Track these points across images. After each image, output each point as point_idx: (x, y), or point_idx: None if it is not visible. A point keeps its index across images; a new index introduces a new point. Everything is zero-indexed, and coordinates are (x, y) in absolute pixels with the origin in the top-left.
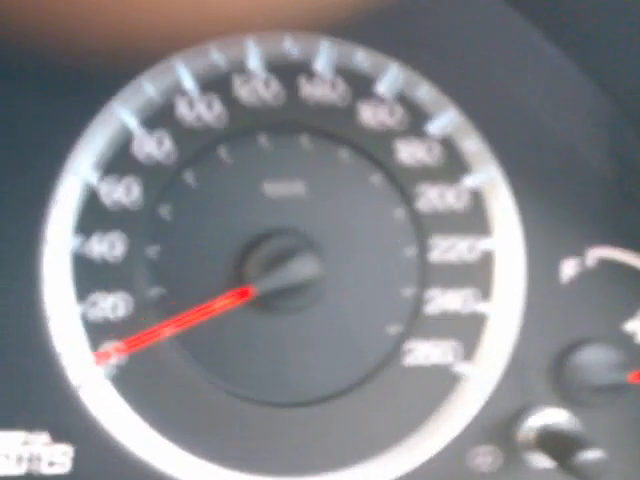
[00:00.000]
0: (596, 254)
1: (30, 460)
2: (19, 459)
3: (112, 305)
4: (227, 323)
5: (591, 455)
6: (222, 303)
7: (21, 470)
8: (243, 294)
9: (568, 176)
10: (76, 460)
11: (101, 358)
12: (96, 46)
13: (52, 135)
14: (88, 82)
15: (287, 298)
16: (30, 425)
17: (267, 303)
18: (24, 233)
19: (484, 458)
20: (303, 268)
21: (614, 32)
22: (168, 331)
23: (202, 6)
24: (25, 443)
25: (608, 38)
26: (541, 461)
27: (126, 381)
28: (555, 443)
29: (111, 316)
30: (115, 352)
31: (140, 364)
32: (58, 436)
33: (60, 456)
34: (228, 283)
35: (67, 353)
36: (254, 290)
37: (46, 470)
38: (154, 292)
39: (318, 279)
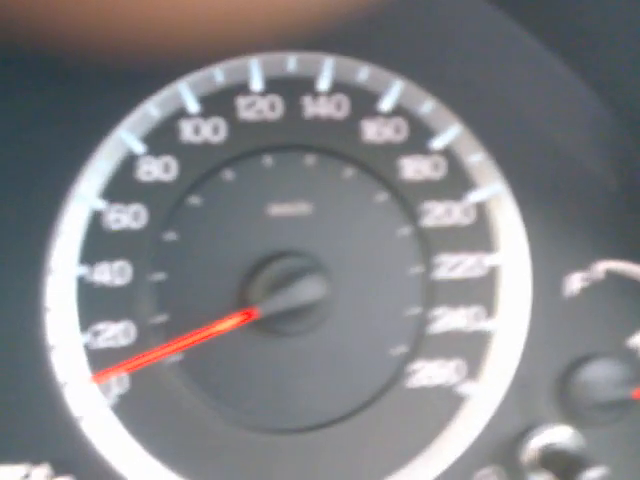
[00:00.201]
0: (602, 268)
1: None
2: None
3: (116, 334)
4: (230, 349)
5: (594, 474)
6: (226, 325)
7: None
8: (247, 315)
9: (573, 190)
10: None
11: (100, 379)
12: (101, 72)
13: (57, 161)
14: (93, 108)
15: (291, 321)
16: (31, 458)
17: (271, 327)
18: (28, 261)
19: (489, 478)
20: (308, 290)
21: (616, 43)
22: (170, 352)
23: (205, 30)
24: (26, 477)
25: (610, 49)
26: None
27: (127, 410)
28: (559, 462)
29: (115, 345)
30: (115, 373)
31: (141, 392)
32: (60, 469)
33: None
34: (233, 306)
35: (70, 383)
36: (259, 312)
37: None
38: (158, 319)
39: (323, 301)
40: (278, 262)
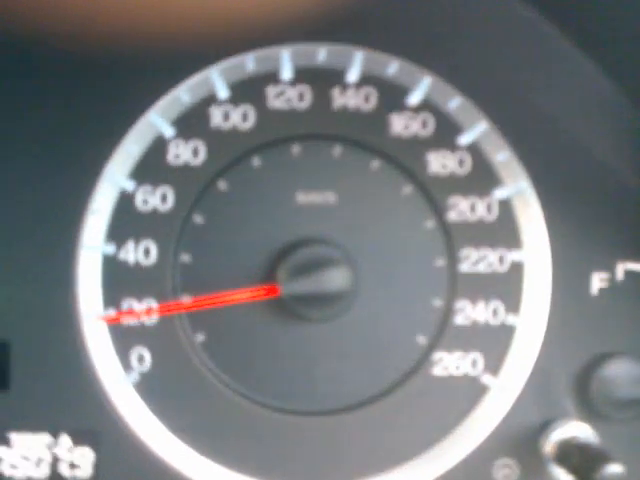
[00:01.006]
0: (625, 267)
1: (53, 463)
2: (43, 462)
3: (139, 309)
4: (253, 332)
5: (612, 470)
6: (246, 294)
7: (44, 473)
8: (269, 291)
9: (598, 189)
10: (98, 464)
11: (112, 321)
12: (134, 57)
13: (89, 143)
14: (126, 92)
15: (315, 307)
16: (55, 427)
17: (295, 311)
18: (60, 237)
19: (505, 469)
20: (334, 280)
21: None
22: (185, 308)
23: (237, 19)
24: (50, 445)
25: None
26: (563, 475)
27: (149, 388)
28: (577, 457)
29: (140, 322)
30: (128, 318)
31: (163, 371)
32: (82, 439)
33: (82, 459)
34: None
35: (96, 358)
36: (281, 290)
37: (68, 473)
38: (182, 300)
39: (348, 293)
40: (309, 247)
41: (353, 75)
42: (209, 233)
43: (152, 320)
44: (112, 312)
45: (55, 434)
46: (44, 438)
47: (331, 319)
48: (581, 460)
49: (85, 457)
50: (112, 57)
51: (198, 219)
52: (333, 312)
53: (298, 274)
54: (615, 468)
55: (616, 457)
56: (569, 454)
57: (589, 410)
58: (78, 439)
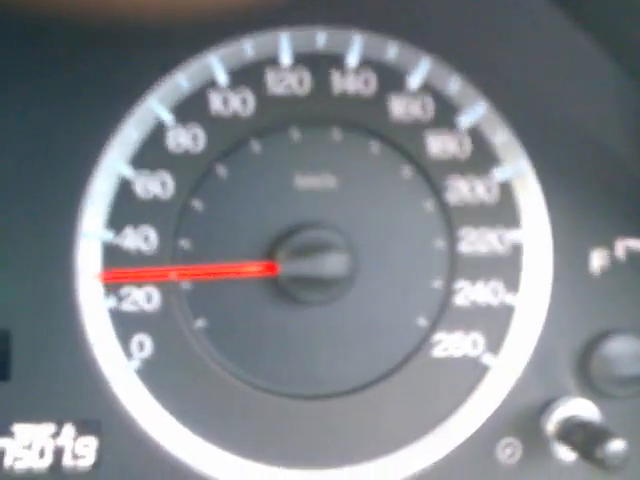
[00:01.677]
0: (624, 245)
1: (56, 453)
2: (46, 452)
3: (142, 298)
4: (254, 317)
5: (615, 446)
6: (244, 269)
7: (47, 463)
8: (268, 268)
9: (596, 167)
10: (101, 452)
11: (108, 278)
12: (131, 42)
13: (87, 129)
14: (123, 77)
15: (314, 290)
16: (58, 417)
17: (294, 293)
18: (59, 226)
19: (509, 450)
20: (333, 264)
21: None
22: (181, 277)
23: (236, 2)
24: (53, 435)
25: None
26: (565, 453)
27: (152, 374)
28: (580, 434)
29: (141, 308)
30: (123, 278)
31: (166, 357)
32: (85, 429)
33: (85, 449)
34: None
35: (97, 345)
36: (280, 268)
37: (71, 462)
38: (182, 286)
39: (345, 278)
40: (310, 230)
41: (352, 59)
42: (209, 219)
43: (153, 306)
44: (113, 299)
45: (58, 424)
46: (47, 428)
47: (328, 302)
48: (584, 437)
49: (88, 446)
50: (109, 42)
51: (198, 205)
52: (330, 295)
53: (297, 255)
54: (618, 444)
55: (618, 434)
56: (572, 432)
57: (591, 388)
58: (81, 428)
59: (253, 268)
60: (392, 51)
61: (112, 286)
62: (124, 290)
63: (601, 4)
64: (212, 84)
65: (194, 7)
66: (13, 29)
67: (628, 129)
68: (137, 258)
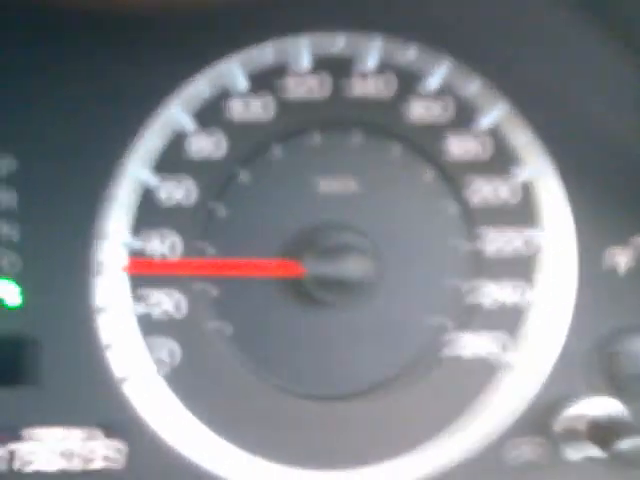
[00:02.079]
0: None
1: (82, 456)
2: (75, 456)
3: (169, 304)
4: (279, 321)
5: (638, 441)
6: (270, 268)
7: (77, 467)
8: (292, 268)
9: (617, 167)
10: (129, 456)
11: (132, 269)
12: (152, 49)
13: (109, 136)
14: (144, 83)
15: (337, 293)
16: (86, 422)
17: (317, 296)
18: (82, 232)
19: (529, 448)
20: (357, 268)
21: None
22: (205, 270)
23: (255, 8)
24: (80, 440)
25: None
26: (586, 451)
27: (181, 381)
28: (602, 431)
29: (168, 315)
30: (148, 270)
31: (194, 363)
32: (111, 432)
33: (113, 452)
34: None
35: (123, 352)
36: (304, 269)
37: (101, 466)
38: (212, 291)
39: (370, 283)
40: (337, 233)
41: (371, 62)
42: (232, 224)
43: (180, 313)
44: (140, 306)
45: (85, 429)
46: (76, 433)
47: (354, 303)
48: (606, 433)
49: (118, 451)
50: (128, 49)
51: (221, 210)
52: (353, 299)
53: (322, 257)
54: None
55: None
56: (594, 428)
57: (613, 386)
58: (109, 433)
59: (278, 268)
60: (410, 54)
61: (140, 292)
62: (153, 297)
63: (623, 5)
64: (232, 90)
65: (214, 13)
66: (34, 35)
67: None
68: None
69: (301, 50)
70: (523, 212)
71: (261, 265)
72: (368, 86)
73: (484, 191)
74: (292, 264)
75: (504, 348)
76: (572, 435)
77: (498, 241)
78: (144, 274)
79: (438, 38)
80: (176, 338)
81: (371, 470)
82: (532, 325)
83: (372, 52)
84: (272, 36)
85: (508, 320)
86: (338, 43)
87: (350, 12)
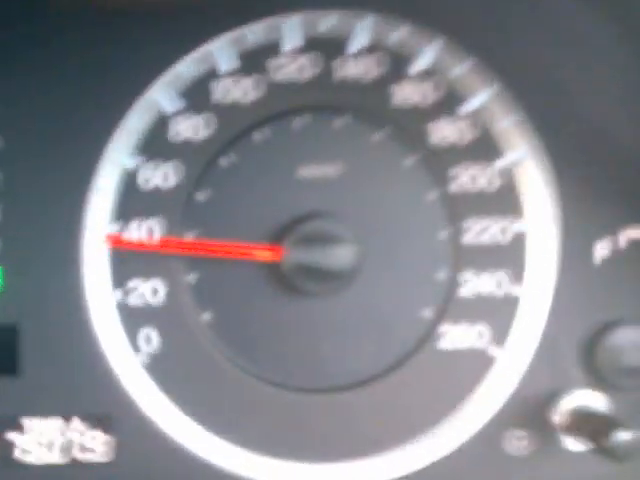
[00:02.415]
0: (629, 235)
1: (67, 447)
2: (55, 446)
3: (149, 291)
4: (260, 310)
5: (625, 436)
6: (249, 250)
7: (58, 457)
8: (272, 250)
9: (601, 157)
10: (113, 446)
11: (114, 241)
12: (136, 30)
13: (91, 121)
14: (127, 67)
15: (318, 281)
16: (67, 412)
17: (298, 284)
18: (64, 219)
19: (518, 441)
20: (338, 257)
21: None
22: (186, 249)
23: None
24: (63, 429)
25: None
26: (574, 443)
27: (159, 368)
28: (589, 424)
29: (147, 302)
30: (130, 247)
31: (172, 352)
32: (94, 423)
33: (95, 443)
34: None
35: (105, 339)
36: (284, 254)
37: (83, 457)
38: (189, 278)
39: (349, 272)
40: (319, 220)
41: (355, 45)
42: (214, 209)
43: (159, 300)
44: (120, 293)
45: (67, 418)
46: (56, 423)
47: (331, 294)
48: (592, 428)
49: (97, 439)
50: (113, 31)
51: (202, 196)
52: (333, 287)
53: (303, 244)
54: (627, 434)
55: (626, 424)
56: (580, 423)
57: (597, 379)
58: (90, 422)
59: (259, 251)
60: (401, 34)
61: (120, 279)
62: (131, 284)
63: None
64: (215, 72)
65: None
66: (18, 18)
67: (635, 118)
68: (142, 252)
69: (286, 32)
70: (504, 201)
71: (241, 248)
72: (352, 69)
73: (466, 179)
74: (272, 249)
75: (489, 340)
76: (564, 428)
77: (480, 231)
78: (124, 259)
79: (429, 18)
80: (155, 325)
81: (363, 463)
82: (517, 317)
83: (356, 35)
84: (256, 17)
85: (492, 312)
86: (323, 25)
87: None
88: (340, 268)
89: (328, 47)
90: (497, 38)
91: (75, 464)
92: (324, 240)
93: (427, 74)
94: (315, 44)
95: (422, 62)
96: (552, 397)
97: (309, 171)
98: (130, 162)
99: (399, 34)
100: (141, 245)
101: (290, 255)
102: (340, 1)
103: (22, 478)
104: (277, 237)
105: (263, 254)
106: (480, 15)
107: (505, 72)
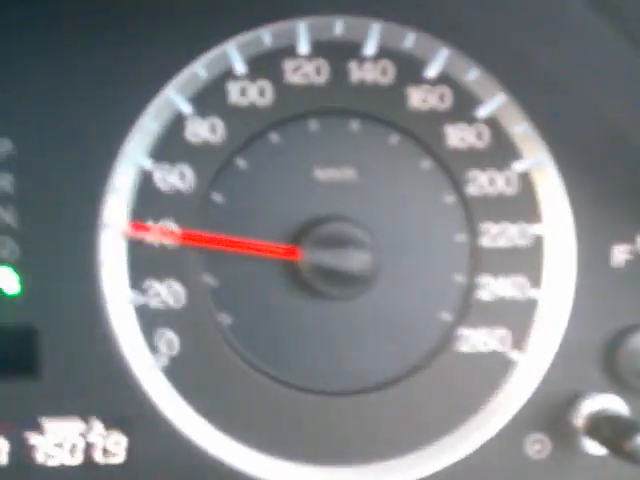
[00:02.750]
0: None
1: (87, 450)
2: (76, 449)
3: (167, 294)
4: (280, 313)
5: None
6: (267, 247)
7: (78, 460)
8: (290, 251)
9: (618, 161)
10: (131, 448)
11: (137, 230)
12: (150, 33)
13: (108, 122)
14: (143, 69)
15: (336, 285)
16: (87, 414)
17: (317, 287)
18: (80, 221)
19: (537, 444)
20: (356, 261)
21: None
22: (204, 243)
23: None
24: (83, 432)
25: None
26: (594, 447)
27: (178, 372)
28: (607, 428)
29: (166, 305)
30: (150, 234)
31: (192, 354)
32: (114, 425)
33: (115, 445)
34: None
35: (124, 342)
36: (302, 255)
37: (102, 459)
38: (206, 279)
39: (367, 276)
40: (337, 223)
41: (370, 48)
42: (229, 211)
43: (178, 302)
44: (138, 294)
45: (87, 420)
46: (76, 425)
47: (355, 295)
48: (612, 431)
49: (118, 443)
50: (128, 32)
51: (217, 197)
52: (350, 291)
53: (321, 245)
54: None
55: None
56: (599, 426)
57: (618, 382)
58: (111, 425)
59: (276, 250)
60: (410, 40)
61: (139, 282)
62: (149, 286)
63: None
64: (230, 74)
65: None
66: (32, 19)
67: None
68: (161, 252)
69: (300, 35)
70: (522, 204)
71: (260, 245)
72: (367, 73)
73: (481, 182)
74: (291, 249)
75: (509, 344)
76: (584, 431)
77: (497, 234)
78: (142, 261)
79: (437, 25)
80: (173, 328)
81: (382, 466)
82: (536, 321)
83: (371, 38)
84: (271, 20)
85: (511, 316)
86: (337, 28)
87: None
88: (359, 272)
89: (344, 50)
90: (503, 46)
91: (92, 465)
92: (343, 243)
93: (440, 79)
94: (331, 47)
95: (434, 68)
96: (572, 400)
97: (326, 174)
98: (146, 163)
99: (407, 41)
100: (162, 236)
101: (308, 256)
102: (347, 7)
103: (40, 479)
104: (294, 239)
105: (282, 253)
106: (486, 24)
107: (511, 81)
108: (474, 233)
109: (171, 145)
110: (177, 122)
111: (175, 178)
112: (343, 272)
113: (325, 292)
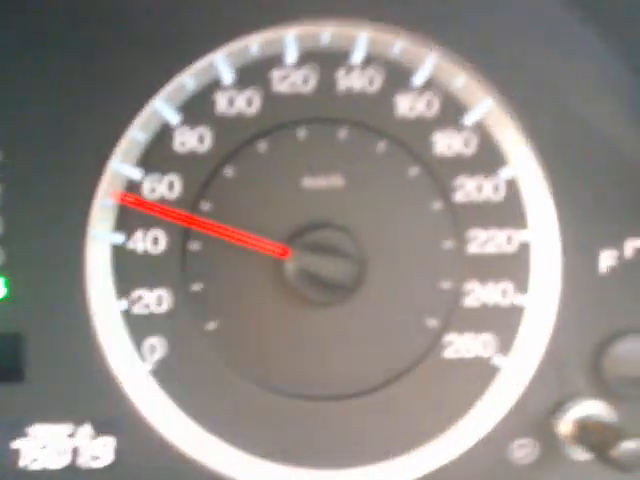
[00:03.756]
0: (634, 245)
1: (72, 453)
2: (62, 452)
3: (153, 301)
4: (266, 318)
5: (631, 445)
6: (258, 242)
7: (62, 463)
8: (280, 250)
9: (605, 167)
10: (118, 452)
11: (123, 199)
12: (137, 43)
13: (94, 133)
14: (130, 80)
15: (322, 291)
16: (75, 418)
17: (303, 293)
18: (67, 230)
19: (523, 450)
20: (341, 270)
21: None
22: (194, 224)
23: (240, 1)
24: (71, 435)
25: None
26: (580, 453)
27: (166, 375)
28: (594, 434)
29: (152, 311)
30: (136, 206)
31: (179, 358)
32: (102, 428)
33: (102, 448)
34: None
35: (110, 347)
36: (291, 254)
37: (87, 463)
38: (194, 288)
39: (353, 284)
40: (326, 230)
41: (357, 57)
42: (217, 220)
43: (164, 309)
44: (125, 302)
45: (73, 424)
46: (62, 429)
47: (341, 302)
48: (598, 437)
49: (104, 446)
50: (115, 44)
51: (205, 206)
52: (336, 297)
53: (310, 251)
54: (632, 444)
55: (632, 434)
56: (586, 432)
57: (604, 388)
58: (97, 429)
59: (266, 245)
60: (397, 48)
61: (125, 287)
62: (135, 293)
63: (612, 5)
64: (218, 84)
65: (199, 7)
66: (19, 29)
67: (638, 127)
68: (146, 262)
69: (287, 44)
70: (508, 211)
71: (252, 239)
72: (354, 81)
73: (469, 189)
74: (281, 247)
75: (495, 350)
76: (569, 437)
77: (485, 241)
78: (128, 269)
79: (424, 33)
80: (160, 334)
81: (367, 470)
82: (522, 327)
83: (358, 47)
84: (258, 29)
85: (497, 322)
86: (324, 37)
87: (337, 4)
88: (342, 281)
89: (331, 59)
90: (490, 53)
91: (79, 469)
92: (327, 250)
93: (427, 86)
94: (317, 56)
95: (421, 75)
96: (557, 406)
97: (313, 182)
98: (135, 173)
99: (395, 48)
100: (151, 208)
101: (296, 258)
102: (332, 15)
103: None
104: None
105: (272, 249)
106: (474, 30)
107: (499, 87)
108: (461, 240)
109: (159, 155)
110: (165, 132)
111: (164, 188)
112: (326, 279)
113: (310, 298)
